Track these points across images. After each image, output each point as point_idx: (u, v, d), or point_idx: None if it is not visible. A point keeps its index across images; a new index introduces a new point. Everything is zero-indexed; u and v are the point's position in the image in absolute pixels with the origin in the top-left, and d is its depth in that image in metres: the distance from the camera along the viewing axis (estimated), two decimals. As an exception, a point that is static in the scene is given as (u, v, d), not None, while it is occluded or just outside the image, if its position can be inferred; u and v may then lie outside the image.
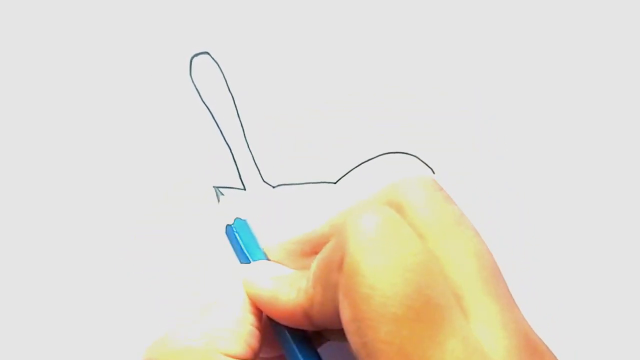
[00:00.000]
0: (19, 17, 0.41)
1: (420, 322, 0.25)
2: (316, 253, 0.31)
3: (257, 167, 0.41)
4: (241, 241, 0.37)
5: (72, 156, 0.41)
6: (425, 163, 0.41)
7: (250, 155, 0.41)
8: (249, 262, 0.36)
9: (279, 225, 0.41)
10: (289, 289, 0.31)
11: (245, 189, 0.41)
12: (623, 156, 0.41)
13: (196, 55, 0.41)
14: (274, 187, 0.41)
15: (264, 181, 0.41)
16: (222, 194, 0.40)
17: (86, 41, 0.41)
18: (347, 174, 0.41)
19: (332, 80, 0.41)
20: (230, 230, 0.38)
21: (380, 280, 0.26)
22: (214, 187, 0.41)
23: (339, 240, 0.28)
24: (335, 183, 0.41)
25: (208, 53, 0.41)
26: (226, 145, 0.41)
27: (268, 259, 0.36)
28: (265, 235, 0.39)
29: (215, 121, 0.41)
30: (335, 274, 0.27)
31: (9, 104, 0.41)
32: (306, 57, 0.41)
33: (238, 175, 0.41)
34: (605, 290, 0.40)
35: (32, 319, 0.40)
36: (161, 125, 0.41)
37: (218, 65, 0.41)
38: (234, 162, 0.41)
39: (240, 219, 0.38)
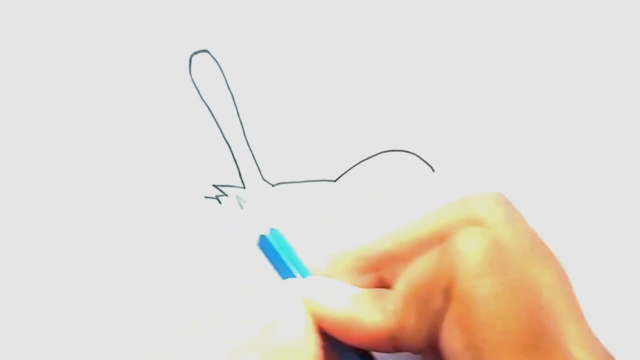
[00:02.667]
0: (18, 15, 0.41)
1: (538, 348, 0.25)
2: (376, 270, 0.30)
3: (256, 165, 0.41)
4: (282, 253, 0.34)
5: (71, 154, 0.41)
6: (424, 161, 0.41)
7: (250, 154, 0.41)
8: (293, 276, 0.33)
9: (279, 223, 0.41)
10: (372, 311, 0.29)
11: (244, 187, 0.41)
12: (623, 156, 0.41)
13: (195, 53, 0.41)
14: (273, 185, 0.41)
15: (264, 179, 0.41)
16: (245, 201, 0.37)
17: (86, 39, 0.41)
18: (346, 172, 0.41)
19: (331, 78, 0.41)
20: (264, 242, 0.35)
21: (498, 307, 0.25)
22: (213, 185, 0.41)
23: (444, 265, 0.27)
24: (334, 181, 0.41)
25: (207, 51, 0.41)
26: (226, 144, 0.41)
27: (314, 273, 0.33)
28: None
29: (215, 119, 0.41)
30: (438, 300, 0.27)
31: (9, 102, 0.41)
32: (306, 55, 0.41)
33: (238, 174, 0.41)
34: (605, 290, 0.40)
35: (33, 319, 0.41)
36: (160, 123, 0.41)
37: (217, 64, 0.41)
38: (233, 161, 0.41)
39: (274, 229, 0.35)
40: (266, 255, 0.35)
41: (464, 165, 0.41)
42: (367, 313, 0.29)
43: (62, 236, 0.41)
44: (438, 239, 0.28)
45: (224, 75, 0.41)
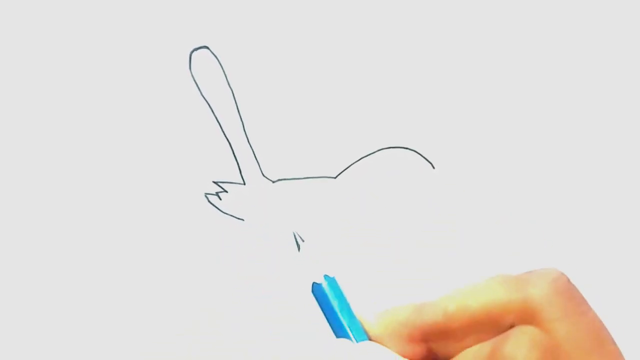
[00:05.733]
0: (18, 14, 0.41)
1: None
2: (425, 342, 0.30)
3: (257, 161, 0.41)
4: (337, 307, 0.32)
5: (70, 152, 0.40)
6: (424, 158, 0.41)
7: (250, 150, 0.41)
8: (346, 334, 0.32)
9: (279, 221, 0.41)
10: None
11: (245, 184, 0.41)
12: (623, 155, 0.42)
13: (196, 49, 0.41)
14: (273, 181, 0.41)
15: (264, 176, 0.41)
16: (303, 241, 0.36)
17: (85, 36, 0.41)
18: (347, 168, 0.41)
19: (332, 75, 0.41)
20: (320, 291, 0.33)
21: None
22: (214, 181, 0.41)
23: None
24: (335, 178, 0.41)
25: (208, 47, 0.41)
26: (226, 140, 0.41)
27: (368, 335, 0.32)
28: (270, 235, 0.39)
29: (215, 115, 0.41)
30: None
31: (8, 100, 0.40)
32: (306, 51, 0.42)
33: (238, 170, 0.41)
34: (605, 290, 0.41)
35: (33, 319, 0.39)
36: (161, 119, 0.41)
37: (217, 60, 0.41)
38: (233, 157, 0.41)
39: (328, 276, 0.33)
40: (320, 305, 0.33)
41: (464, 162, 0.41)
42: None
43: (62, 235, 0.40)
44: (490, 323, 0.28)
45: (224, 72, 0.41)
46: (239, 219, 0.41)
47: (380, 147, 0.41)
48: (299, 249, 0.36)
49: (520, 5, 0.42)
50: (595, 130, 0.42)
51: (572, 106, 0.42)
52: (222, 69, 0.41)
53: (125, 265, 0.40)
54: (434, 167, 0.41)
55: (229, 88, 0.41)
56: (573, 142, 0.42)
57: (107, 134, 0.41)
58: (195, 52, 0.41)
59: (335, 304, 0.32)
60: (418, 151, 0.41)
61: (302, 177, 0.41)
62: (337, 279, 0.33)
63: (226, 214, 0.41)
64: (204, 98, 0.41)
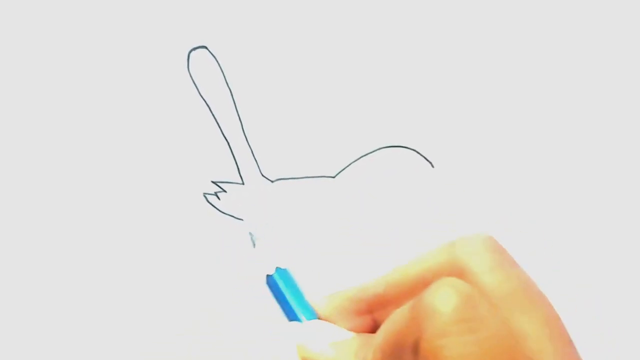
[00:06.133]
0: (18, 12, 0.41)
1: None
2: (370, 312, 0.31)
3: (255, 161, 0.41)
4: (287, 294, 0.35)
5: (69, 151, 0.40)
6: (424, 157, 0.41)
7: (249, 150, 0.41)
8: (297, 319, 0.34)
9: (278, 220, 0.41)
10: (353, 359, 0.30)
11: (243, 183, 0.41)
12: (623, 154, 0.42)
13: (194, 49, 0.41)
14: (272, 181, 0.41)
15: (263, 175, 0.41)
16: (257, 238, 0.38)
17: (84, 35, 0.41)
18: (345, 168, 0.41)
19: (330, 74, 0.41)
20: (272, 282, 0.35)
21: None
22: (212, 181, 0.41)
23: (413, 319, 0.26)
24: (334, 177, 0.41)
25: (206, 47, 0.41)
26: (224, 140, 0.41)
27: (318, 315, 0.34)
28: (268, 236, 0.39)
29: (214, 115, 0.41)
30: (408, 355, 0.26)
31: (8, 100, 0.40)
32: (304, 51, 0.41)
33: (237, 170, 0.41)
34: (605, 290, 0.41)
35: (34, 319, 0.40)
36: (159, 119, 0.41)
37: (216, 59, 0.41)
38: (232, 156, 0.41)
39: (281, 268, 0.36)
40: (273, 294, 0.35)
41: (463, 161, 0.41)
42: None
43: (61, 235, 0.40)
44: (423, 285, 0.28)
45: (222, 71, 0.41)
46: (238, 218, 0.41)
47: (379, 147, 0.41)
48: (254, 246, 0.37)
49: (520, 5, 0.42)
50: (594, 130, 0.42)
51: (572, 106, 0.42)
52: (221, 68, 0.41)
53: (125, 265, 0.40)
54: (433, 166, 0.41)
55: (227, 88, 0.41)
56: (573, 142, 0.42)
57: (106, 134, 0.41)
58: (193, 52, 0.41)
59: (286, 292, 0.34)
60: (417, 150, 0.41)
61: (301, 176, 0.41)
62: (289, 270, 0.35)
63: (225, 213, 0.41)
64: (202, 98, 0.41)
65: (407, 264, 0.30)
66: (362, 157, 0.41)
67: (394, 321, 0.28)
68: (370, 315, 0.31)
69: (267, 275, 0.35)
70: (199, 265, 0.40)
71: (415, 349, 0.26)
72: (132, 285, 0.40)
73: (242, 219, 0.41)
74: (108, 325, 0.40)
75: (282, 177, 0.41)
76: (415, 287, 0.29)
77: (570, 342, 0.27)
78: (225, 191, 0.41)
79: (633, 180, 0.41)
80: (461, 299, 0.26)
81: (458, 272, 0.28)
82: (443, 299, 0.26)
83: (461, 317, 0.25)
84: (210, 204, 0.41)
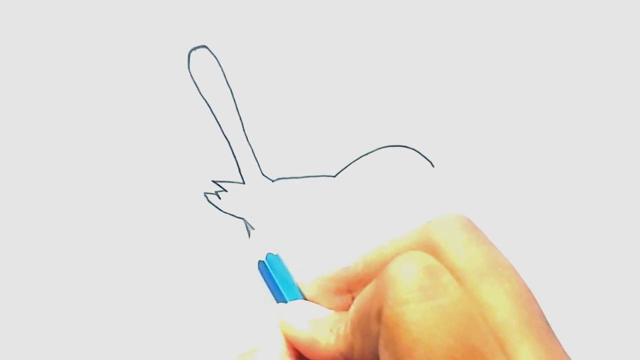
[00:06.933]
0: (18, 12, 0.41)
1: None
2: (350, 291, 0.32)
3: (256, 160, 0.41)
4: (276, 278, 0.36)
5: (69, 152, 0.40)
6: (424, 156, 0.41)
7: (250, 149, 0.41)
8: (285, 300, 0.35)
9: (279, 220, 0.41)
10: (328, 334, 0.31)
11: (244, 183, 0.41)
12: (623, 154, 0.42)
13: (194, 49, 0.41)
14: (273, 180, 0.41)
15: (263, 175, 0.41)
16: (253, 228, 0.39)
17: (84, 35, 0.41)
18: (346, 167, 0.41)
19: (330, 74, 0.41)
20: (263, 267, 0.37)
21: (421, 332, 0.25)
22: (213, 181, 0.41)
23: (377, 289, 0.27)
24: (334, 176, 0.41)
25: (206, 47, 0.41)
26: (225, 139, 0.41)
27: (304, 297, 0.35)
28: (266, 231, 0.39)
29: (214, 115, 0.41)
30: (374, 323, 0.27)
31: (8, 100, 0.40)
32: (305, 50, 0.41)
33: (237, 169, 0.41)
34: (604, 290, 0.41)
35: (34, 319, 0.40)
36: (159, 119, 0.41)
37: (216, 59, 0.41)
38: (233, 156, 0.41)
39: (272, 254, 0.37)
40: (263, 278, 0.37)
41: (463, 161, 0.41)
42: (324, 336, 0.31)
43: (61, 235, 0.40)
44: None
45: (222, 71, 0.41)
46: (238, 218, 0.41)
47: (380, 146, 0.41)
48: (249, 236, 0.38)
49: (520, 5, 0.42)
50: (595, 130, 0.42)
51: (572, 106, 0.42)
52: (221, 68, 0.41)
53: (125, 264, 0.40)
54: (433, 166, 0.41)
55: (227, 87, 0.41)
56: (573, 142, 0.42)
57: (105, 134, 0.41)
58: (193, 52, 0.41)
59: (275, 276, 0.36)
60: (417, 150, 0.41)
61: (302, 175, 0.41)
62: (280, 256, 0.37)
63: (226, 213, 0.41)
64: (203, 97, 0.41)
65: (384, 244, 0.31)
66: (362, 156, 0.41)
67: (363, 295, 0.29)
68: (350, 294, 0.32)
69: (259, 261, 0.37)
70: (200, 264, 0.40)
71: (379, 316, 0.27)
72: (132, 285, 0.40)
73: (242, 218, 0.41)
74: (108, 325, 0.40)
75: (283, 177, 0.41)
76: None
77: (540, 316, 0.28)
78: (226, 190, 0.41)
79: (634, 180, 0.41)
80: (421, 268, 0.26)
81: (431, 250, 0.28)
82: (404, 269, 0.27)
83: (420, 284, 0.26)
84: (211, 203, 0.41)
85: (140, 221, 0.40)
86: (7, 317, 0.40)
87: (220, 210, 0.41)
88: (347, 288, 0.33)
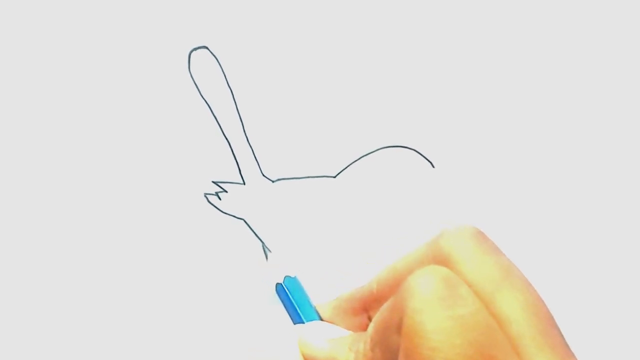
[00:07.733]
0: (18, 12, 0.41)
1: None
2: (366, 310, 0.32)
3: (256, 161, 0.41)
4: (294, 300, 0.37)
5: (70, 152, 0.40)
6: (424, 157, 0.41)
7: (250, 150, 0.41)
8: (302, 321, 0.36)
9: (279, 220, 0.41)
10: (347, 352, 0.31)
11: (244, 184, 0.41)
12: (623, 153, 0.42)
13: (195, 49, 0.41)
14: (273, 181, 0.41)
15: (264, 175, 0.41)
16: (270, 251, 0.39)
17: (84, 36, 0.41)
18: (346, 167, 0.41)
19: (331, 75, 0.42)
20: (280, 289, 0.37)
21: (441, 341, 0.25)
22: (213, 181, 0.41)
23: (397, 302, 0.27)
24: (334, 177, 0.41)
25: (207, 47, 0.41)
26: (225, 140, 0.41)
27: (321, 318, 0.36)
28: (269, 235, 0.39)
29: (214, 115, 0.41)
30: (394, 336, 0.27)
31: (8, 99, 0.40)
32: (305, 51, 0.42)
33: (237, 170, 0.41)
34: (605, 290, 0.41)
35: (34, 319, 0.40)
36: (160, 119, 0.41)
37: (217, 60, 0.41)
38: (233, 157, 0.41)
39: (290, 276, 0.38)
40: (281, 301, 0.37)
41: (463, 161, 0.41)
42: (344, 355, 0.31)
43: (61, 235, 0.40)
44: None
45: (223, 72, 0.41)
46: (239, 218, 0.41)
47: (380, 147, 0.41)
48: (267, 259, 0.39)
49: (520, 6, 0.42)
50: (595, 130, 0.42)
51: (572, 106, 0.42)
52: (222, 68, 0.41)
53: (125, 265, 0.40)
54: (433, 166, 0.41)
55: (228, 88, 0.41)
56: (573, 142, 0.42)
57: (106, 134, 0.41)
58: (194, 52, 0.41)
59: (293, 298, 0.36)
60: (417, 150, 0.41)
61: (302, 176, 0.41)
62: (298, 278, 0.37)
63: (226, 213, 0.41)
64: (203, 98, 0.41)
65: (396, 261, 0.31)
66: (362, 157, 0.41)
67: (382, 311, 0.29)
68: (366, 313, 0.32)
69: (276, 284, 0.37)
70: (200, 265, 0.40)
71: (399, 328, 0.27)
72: (132, 285, 0.40)
73: (243, 219, 0.41)
74: (108, 325, 0.40)
75: (283, 177, 0.41)
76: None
77: (554, 327, 0.28)
78: (226, 191, 0.41)
79: (634, 181, 0.41)
80: (439, 279, 0.27)
81: (443, 263, 0.28)
82: (422, 280, 0.27)
83: (440, 295, 0.26)
84: (212, 204, 0.41)
85: (140, 221, 0.40)
86: (7, 317, 0.40)
87: (221, 210, 0.41)
88: (363, 307, 0.33)
